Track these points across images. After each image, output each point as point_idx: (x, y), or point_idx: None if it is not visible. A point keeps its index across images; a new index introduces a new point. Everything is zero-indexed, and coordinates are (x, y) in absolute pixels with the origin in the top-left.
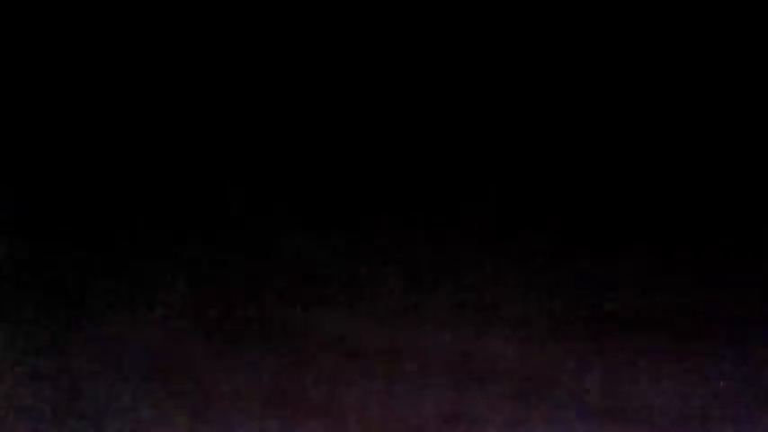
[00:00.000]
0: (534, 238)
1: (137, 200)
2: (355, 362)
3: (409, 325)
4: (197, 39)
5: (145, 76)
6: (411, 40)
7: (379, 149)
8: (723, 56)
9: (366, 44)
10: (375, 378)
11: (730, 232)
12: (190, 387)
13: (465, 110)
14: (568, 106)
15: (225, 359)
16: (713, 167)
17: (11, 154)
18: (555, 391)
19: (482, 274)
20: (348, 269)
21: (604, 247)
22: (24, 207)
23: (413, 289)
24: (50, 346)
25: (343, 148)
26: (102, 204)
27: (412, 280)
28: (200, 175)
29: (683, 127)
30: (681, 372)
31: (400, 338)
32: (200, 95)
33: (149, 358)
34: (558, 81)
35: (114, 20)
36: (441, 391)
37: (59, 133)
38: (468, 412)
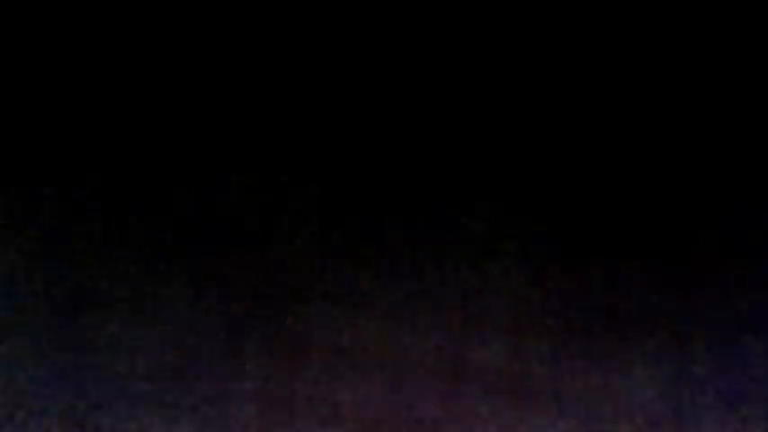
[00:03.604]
0: (524, 244)
1: (137, 206)
2: (351, 364)
3: (400, 328)
4: (193, 49)
5: (140, 82)
6: (401, 47)
7: (371, 158)
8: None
9: (357, 47)
10: (369, 380)
11: (721, 237)
12: (190, 392)
13: (457, 115)
14: (559, 114)
15: (225, 361)
16: (708, 177)
17: (10, 155)
18: (538, 395)
19: (472, 280)
20: (343, 275)
21: (592, 253)
22: (25, 211)
23: (404, 293)
24: (52, 347)
25: (337, 154)
26: (102, 210)
27: (404, 285)
28: (199, 184)
29: (680, 136)
30: (668, 374)
31: (392, 343)
32: (198, 105)
33: (151, 360)
34: (551, 90)
35: (110, 18)
36: (433, 394)
37: (56, 133)
38: (459, 413)
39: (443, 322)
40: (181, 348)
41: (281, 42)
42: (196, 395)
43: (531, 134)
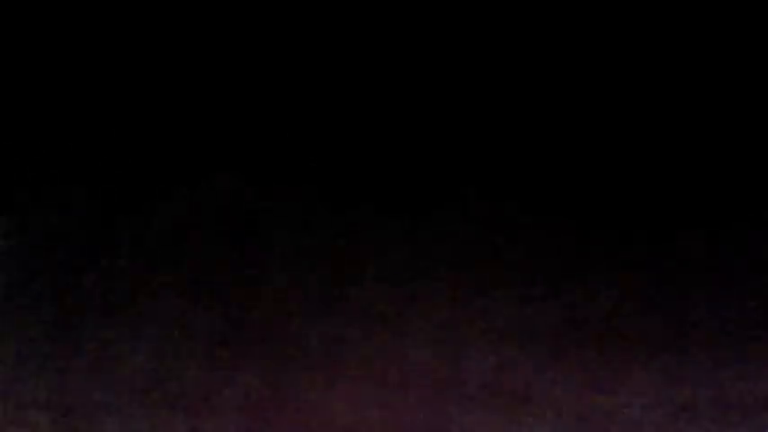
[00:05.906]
0: (512, 250)
1: (131, 214)
2: (342, 373)
3: (392, 337)
4: (191, 43)
5: (140, 80)
6: (399, 45)
7: (364, 163)
8: (724, 67)
9: (354, 46)
10: (360, 388)
11: (707, 244)
12: (184, 394)
13: (450, 111)
14: (557, 121)
15: (215, 367)
16: (706, 178)
17: (6, 161)
18: (532, 402)
19: (463, 286)
20: (334, 283)
21: (586, 260)
22: (21, 217)
23: (396, 302)
24: (47, 354)
25: (331, 161)
26: (96, 218)
27: (396, 293)
28: (191, 192)
29: (678, 139)
30: (656, 382)
31: (384, 352)
32: (195, 103)
33: (143, 366)
34: (547, 88)
35: (109, 17)
36: (424, 403)
37: (54, 135)
38: (451, 423)
39: (436, 331)
40: (171, 354)
41: (276, 50)
42: (186, 400)
43: (530, 143)
